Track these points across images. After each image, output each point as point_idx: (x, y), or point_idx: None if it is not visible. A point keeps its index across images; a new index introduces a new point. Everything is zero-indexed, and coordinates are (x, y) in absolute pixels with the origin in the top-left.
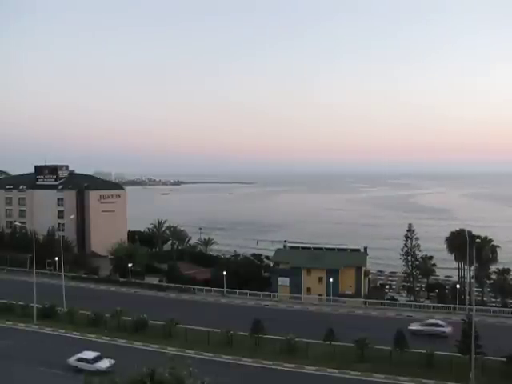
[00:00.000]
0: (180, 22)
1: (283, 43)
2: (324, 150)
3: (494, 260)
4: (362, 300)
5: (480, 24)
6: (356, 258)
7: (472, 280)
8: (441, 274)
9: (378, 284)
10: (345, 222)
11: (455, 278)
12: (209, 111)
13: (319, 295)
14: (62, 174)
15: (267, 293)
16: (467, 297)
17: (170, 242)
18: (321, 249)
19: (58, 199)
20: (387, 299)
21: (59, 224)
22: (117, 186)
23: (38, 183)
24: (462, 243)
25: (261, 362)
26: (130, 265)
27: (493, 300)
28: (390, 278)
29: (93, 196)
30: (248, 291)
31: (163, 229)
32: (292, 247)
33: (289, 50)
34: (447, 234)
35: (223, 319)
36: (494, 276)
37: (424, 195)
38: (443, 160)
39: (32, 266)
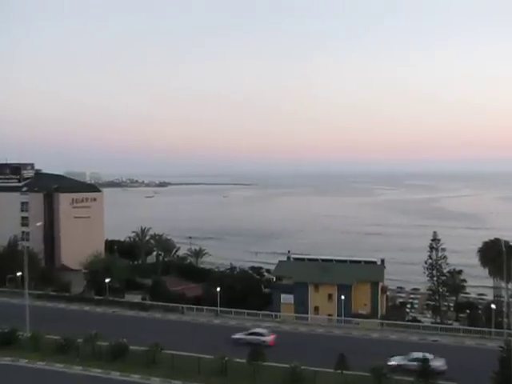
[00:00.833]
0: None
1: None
2: (326, 148)
3: None
4: (379, 321)
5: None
6: (371, 271)
7: (510, 299)
8: (472, 291)
9: (397, 302)
10: (359, 231)
11: (490, 297)
12: (198, 103)
13: (329, 315)
14: (27, 173)
15: (268, 312)
16: (505, 319)
17: (154, 254)
18: (330, 261)
19: (22, 203)
20: (408, 320)
21: (23, 233)
22: (92, 187)
23: None
24: (498, 255)
25: None
26: (107, 280)
27: None
28: (412, 296)
29: (63, 199)
30: (245, 310)
31: (147, 238)
32: (297, 259)
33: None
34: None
35: (216, 343)
36: None
37: (451, 198)
38: (451, 158)
39: None
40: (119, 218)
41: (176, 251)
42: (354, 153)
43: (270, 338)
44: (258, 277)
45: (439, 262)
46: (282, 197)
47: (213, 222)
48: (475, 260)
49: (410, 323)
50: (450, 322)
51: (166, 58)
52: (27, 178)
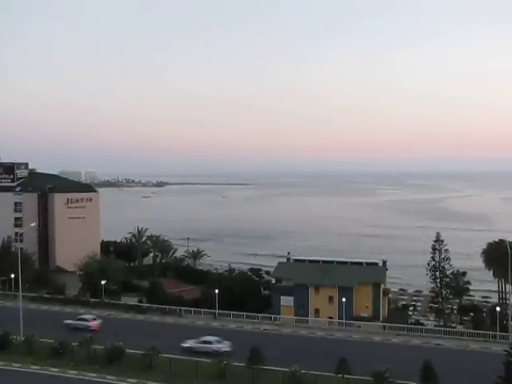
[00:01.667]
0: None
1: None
2: (326, 147)
3: None
4: (381, 324)
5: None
6: (373, 273)
7: None
8: (476, 294)
9: (399, 305)
10: (360, 232)
11: (494, 300)
12: (195, 103)
13: (329, 318)
14: (21, 173)
15: (267, 315)
16: (510, 322)
17: (151, 255)
18: (331, 262)
19: (16, 204)
20: (411, 323)
21: (16, 234)
22: (87, 187)
23: None
24: (503, 256)
25: None
26: (103, 282)
27: None
28: (415, 298)
29: (58, 199)
30: (244, 313)
31: (144, 239)
32: (297, 260)
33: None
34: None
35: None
36: None
37: (454, 199)
38: (451, 158)
39: None
40: (115, 219)
41: (173, 252)
42: (353, 152)
43: (94, 323)
44: (258, 279)
45: (442, 263)
46: (281, 197)
47: (211, 222)
48: (479, 262)
49: (412, 326)
50: (453, 325)
51: (162, 57)
52: (21, 178)
